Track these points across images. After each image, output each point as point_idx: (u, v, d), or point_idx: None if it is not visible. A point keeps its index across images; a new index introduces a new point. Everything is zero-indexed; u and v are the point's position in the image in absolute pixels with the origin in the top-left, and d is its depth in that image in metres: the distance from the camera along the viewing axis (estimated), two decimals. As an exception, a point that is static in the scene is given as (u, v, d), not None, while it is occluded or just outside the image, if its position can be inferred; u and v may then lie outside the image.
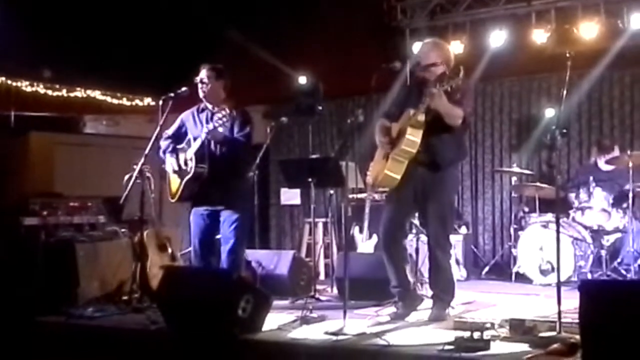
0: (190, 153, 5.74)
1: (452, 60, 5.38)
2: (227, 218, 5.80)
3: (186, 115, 6.01)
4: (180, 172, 5.83)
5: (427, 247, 5.46)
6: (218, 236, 6.03)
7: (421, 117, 5.08)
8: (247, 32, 9.09)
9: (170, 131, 6.00)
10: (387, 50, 9.23)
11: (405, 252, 5.52)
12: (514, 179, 8.49)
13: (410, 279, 5.52)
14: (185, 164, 5.79)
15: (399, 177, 5.16)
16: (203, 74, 5.86)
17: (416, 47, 5.93)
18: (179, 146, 5.91)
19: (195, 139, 5.76)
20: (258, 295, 4.89)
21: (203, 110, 5.94)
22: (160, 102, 5.94)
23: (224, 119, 5.56)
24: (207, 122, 5.81)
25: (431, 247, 5.34)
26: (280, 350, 4.60)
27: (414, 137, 5.09)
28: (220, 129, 5.62)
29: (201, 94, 5.88)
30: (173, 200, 5.99)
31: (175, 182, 5.91)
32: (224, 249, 5.79)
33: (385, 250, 5.39)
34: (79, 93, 10.70)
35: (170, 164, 5.90)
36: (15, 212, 6.95)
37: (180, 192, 5.84)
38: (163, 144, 5.95)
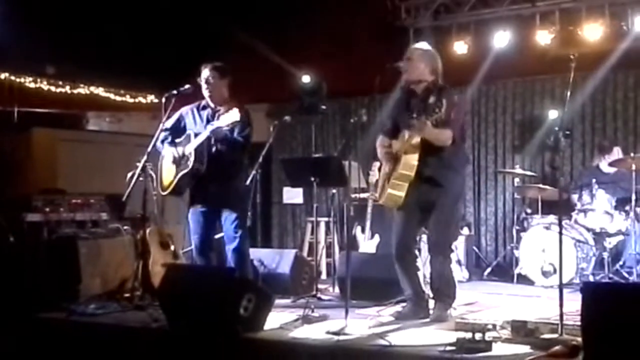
0: (190, 148, 5.74)
1: (439, 67, 5.37)
2: (227, 218, 5.83)
3: (186, 111, 6.00)
4: (178, 165, 5.82)
5: (427, 249, 5.48)
6: (217, 235, 6.06)
7: (415, 141, 5.14)
8: (251, 31, 9.07)
9: (168, 124, 5.97)
10: (390, 50, 9.20)
11: (417, 260, 5.53)
12: (516, 180, 8.47)
13: (424, 289, 5.51)
14: (183, 158, 5.79)
15: (403, 194, 5.21)
16: (206, 73, 5.84)
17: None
18: (177, 140, 5.90)
19: (196, 135, 5.75)
20: (260, 294, 4.89)
21: (204, 107, 5.94)
22: (163, 100, 5.94)
23: (235, 123, 5.56)
24: (208, 120, 5.80)
25: (432, 252, 5.38)
26: (282, 350, 4.59)
27: (410, 161, 5.16)
28: (225, 128, 5.63)
29: (206, 94, 5.86)
30: (164, 193, 6.00)
31: (169, 175, 5.90)
32: (229, 248, 5.84)
33: (399, 261, 5.39)
34: (82, 90, 10.71)
35: (170, 153, 5.87)
36: (17, 208, 6.94)
37: (173, 185, 5.85)
38: (161, 135, 5.93)
